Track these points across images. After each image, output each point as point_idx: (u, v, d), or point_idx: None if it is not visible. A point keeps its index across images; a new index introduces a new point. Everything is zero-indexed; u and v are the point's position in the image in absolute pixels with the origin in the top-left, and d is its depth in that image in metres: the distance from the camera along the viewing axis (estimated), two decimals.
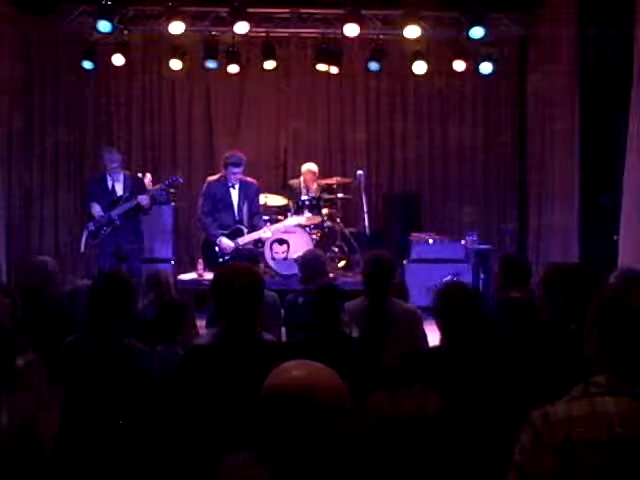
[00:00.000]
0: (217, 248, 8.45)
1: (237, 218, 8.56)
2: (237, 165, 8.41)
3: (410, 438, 2.20)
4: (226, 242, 8.41)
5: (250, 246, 8.57)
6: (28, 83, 10.27)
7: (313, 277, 5.45)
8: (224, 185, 8.53)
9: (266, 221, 8.99)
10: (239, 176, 8.49)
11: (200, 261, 9.22)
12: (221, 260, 8.37)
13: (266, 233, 8.62)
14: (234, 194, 8.56)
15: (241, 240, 8.44)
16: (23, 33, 9.89)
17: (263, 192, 9.96)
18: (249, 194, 8.59)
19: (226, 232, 8.46)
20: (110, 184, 8.58)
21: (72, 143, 10.71)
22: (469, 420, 3.17)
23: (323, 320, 4.01)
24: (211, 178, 8.78)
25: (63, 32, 9.98)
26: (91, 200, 8.58)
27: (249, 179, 8.70)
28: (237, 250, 8.37)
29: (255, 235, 8.55)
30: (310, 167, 10.19)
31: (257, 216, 8.71)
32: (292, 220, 9.13)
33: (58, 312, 4.94)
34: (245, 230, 8.50)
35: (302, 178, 10.20)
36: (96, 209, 8.46)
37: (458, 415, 2.45)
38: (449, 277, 8.21)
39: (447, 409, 2.34)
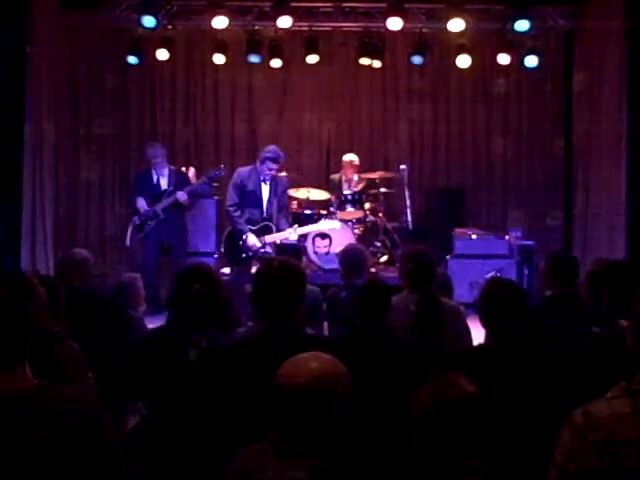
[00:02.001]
0: (241, 242, 8.33)
1: (265, 214, 8.40)
2: (275, 161, 8.21)
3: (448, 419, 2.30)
4: (253, 240, 8.26)
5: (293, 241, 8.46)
6: (74, 78, 10.39)
7: (353, 272, 5.44)
8: (256, 178, 8.33)
9: (289, 221, 8.80)
10: (274, 172, 8.35)
11: None
12: (244, 256, 8.26)
13: (292, 235, 8.46)
14: (265, 189, 8.36)
15: (268, 239, 8.33)
16: (69, 28, 9.98)
17: (306, 187, 9.99)
18: (279, 189, 8.43)
19: (254, 228, 8.37)
20: (155, 178, 8.68)
21: (117, 137, 10.83)
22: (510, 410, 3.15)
23: (371, 314, 3.98)
24: (242, 168, 8.59)
25: (108, 27, 10.09)
26: (136, 194, 8.69)
27: (279, 173, 8.60)
28: (279, 244, 8.32)
29: (281, 235, 8.37)
30: (351, 158, 10.15)
31: (281, 213, 8.53)
32: (323, 225, 9.05)
33: (98, 303, 5.01)
34: (273, 228, 8.38)
35: (342, 170, 10.17)
36: (141, 203, 8.56)
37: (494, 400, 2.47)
38: (492, 273, 8.13)
39: (481, 393, 2.39)
